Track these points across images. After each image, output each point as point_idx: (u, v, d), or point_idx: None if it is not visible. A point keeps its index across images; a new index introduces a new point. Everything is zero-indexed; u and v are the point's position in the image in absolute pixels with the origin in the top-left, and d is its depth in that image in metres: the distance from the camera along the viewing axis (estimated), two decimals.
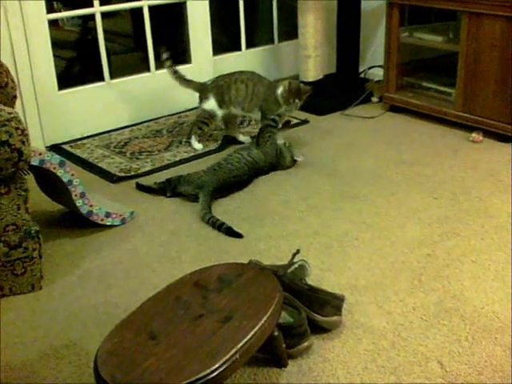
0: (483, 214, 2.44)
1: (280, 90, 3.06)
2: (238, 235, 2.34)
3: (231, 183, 2.69)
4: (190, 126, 3.19)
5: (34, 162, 2.08)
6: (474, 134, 3.13)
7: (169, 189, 2.67)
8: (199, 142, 3.17)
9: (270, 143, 2.91)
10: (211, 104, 3.11)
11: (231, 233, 2.35)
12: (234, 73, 3.15)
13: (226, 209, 2.56)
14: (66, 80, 3.39)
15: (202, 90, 3.18)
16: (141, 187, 2.74)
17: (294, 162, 2.92)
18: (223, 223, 2.39)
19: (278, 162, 2.90)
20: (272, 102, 3.08)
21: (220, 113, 3.12)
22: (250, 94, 3.09)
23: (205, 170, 2.71)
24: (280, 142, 2.95)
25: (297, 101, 3.04)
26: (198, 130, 3.16)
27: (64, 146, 3.23)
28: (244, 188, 2.73)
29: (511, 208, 2.47)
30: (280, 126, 3.01)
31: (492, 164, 2.88)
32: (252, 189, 2.74)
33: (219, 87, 3.12)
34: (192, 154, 3.10)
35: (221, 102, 3.11)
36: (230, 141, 3.22)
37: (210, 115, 3.12)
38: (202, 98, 3.16)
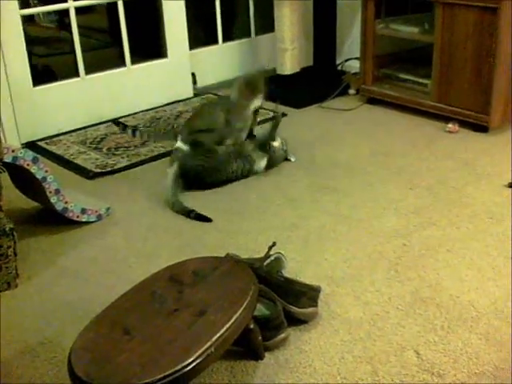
0: (458, 203, 2.46)
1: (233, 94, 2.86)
2: (207, 219, 2.39)
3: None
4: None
5: (7, 159, 2.07)
6: (450, 125, 3.15)
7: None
8: None
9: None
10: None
11: (200, 218, 2.40)
12: None
13: (204, 203, 2.55)
14: (41, 76, 3.35)
15: None
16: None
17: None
18: (192, 210, 2.43)
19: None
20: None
21: None
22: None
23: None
24: (276, 144, 2.84)
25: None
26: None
27: (40, 143, 3.20)
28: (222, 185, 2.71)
29: (486, 197, 2.49)
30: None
31: (467, 154, 2.90)
32: (230, 182, 2.73)
33: None
34: (169, 148, 3.08)
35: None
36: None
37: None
38: None
